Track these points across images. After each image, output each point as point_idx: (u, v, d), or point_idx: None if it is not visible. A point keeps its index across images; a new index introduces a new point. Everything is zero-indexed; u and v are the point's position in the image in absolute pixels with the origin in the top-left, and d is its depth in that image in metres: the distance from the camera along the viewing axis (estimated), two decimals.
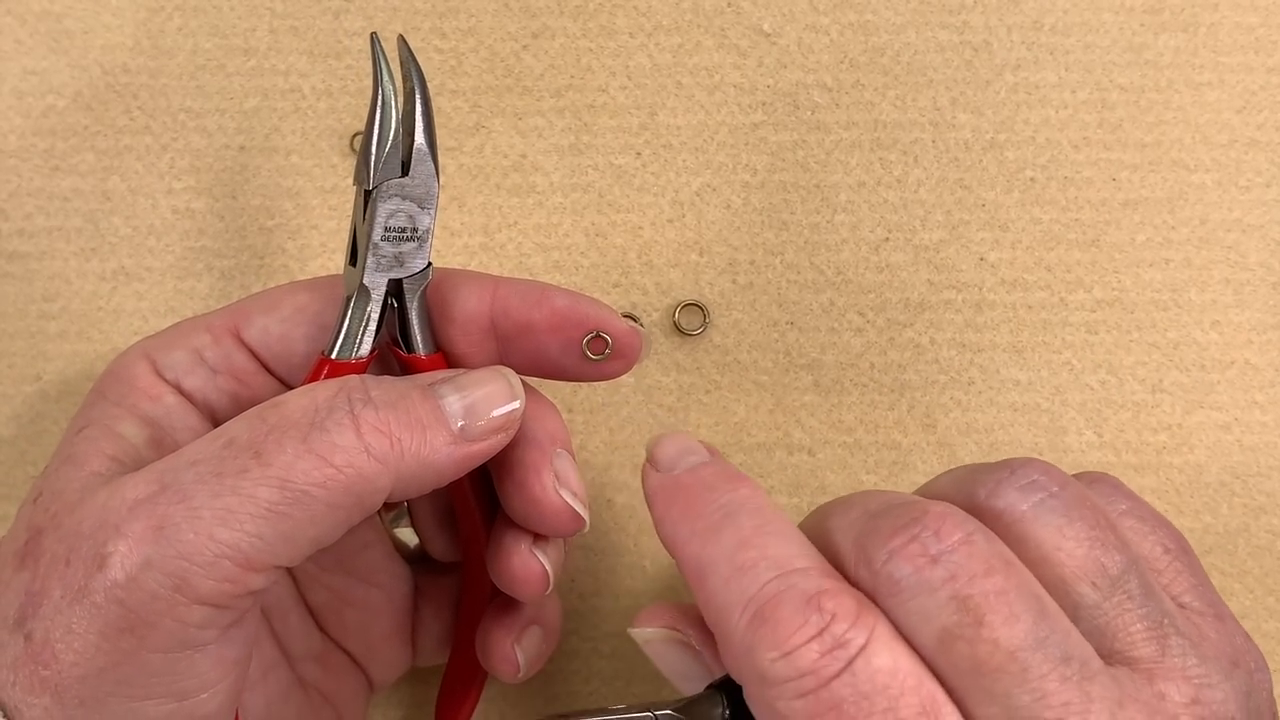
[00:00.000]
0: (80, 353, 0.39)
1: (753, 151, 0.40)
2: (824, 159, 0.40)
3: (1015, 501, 0.25)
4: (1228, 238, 0.40)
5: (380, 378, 0.28)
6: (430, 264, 0.30)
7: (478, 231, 0.40)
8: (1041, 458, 0.27)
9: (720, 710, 0.26)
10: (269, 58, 0.41)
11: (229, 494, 0.25)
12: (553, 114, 0.41)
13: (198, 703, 0.26)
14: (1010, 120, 0.40)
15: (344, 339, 0.29)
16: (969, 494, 0.26)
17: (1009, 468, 0.26)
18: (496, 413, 0.28)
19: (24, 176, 0.40)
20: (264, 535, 0.25)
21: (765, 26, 0.41)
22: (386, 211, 0.29)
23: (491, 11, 0.41)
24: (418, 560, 0.36)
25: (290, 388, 0.30)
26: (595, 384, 0.39)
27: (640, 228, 0.40)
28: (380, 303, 0.29)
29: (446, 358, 0.31)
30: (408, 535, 0.35)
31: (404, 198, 0.29)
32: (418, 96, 0.29)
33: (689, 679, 0.28)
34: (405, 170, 0.29)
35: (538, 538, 0.31)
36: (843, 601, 0.23)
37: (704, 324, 0.39)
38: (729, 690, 0.26)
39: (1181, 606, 0.26)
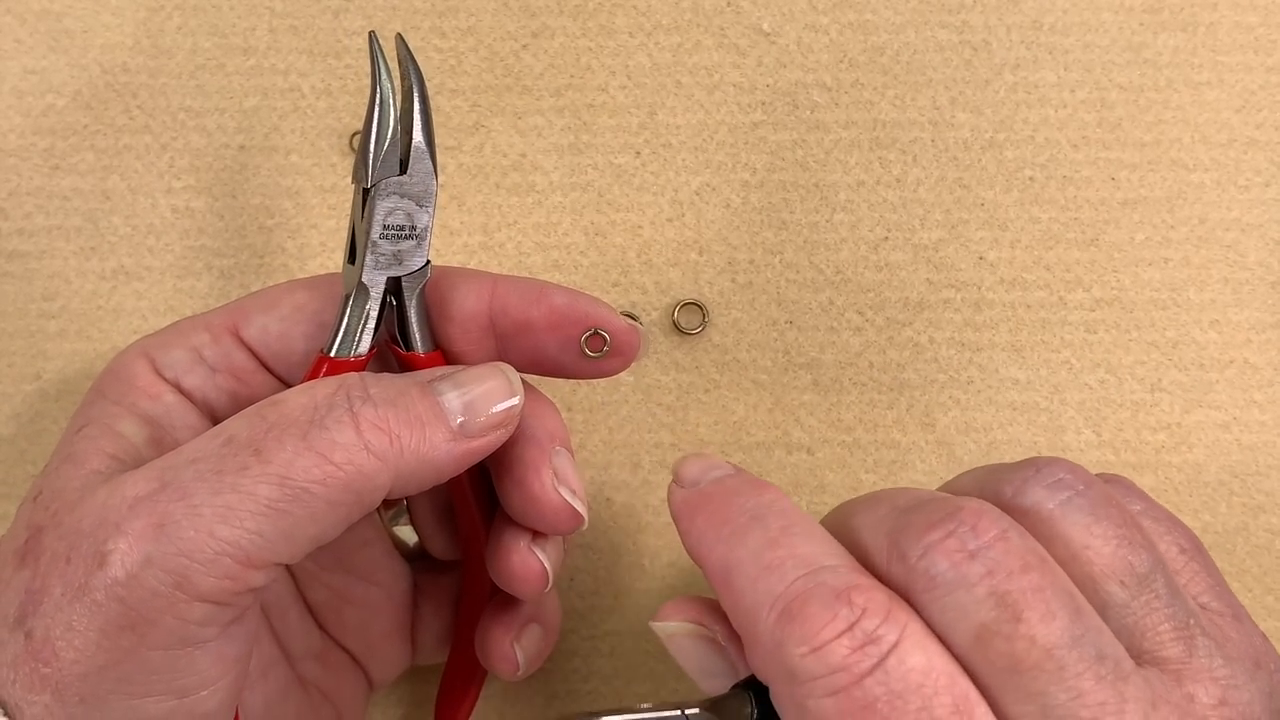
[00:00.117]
0: (80, 352, 0.39)
1: (752, 151, 0.40)
2: (823, 158, 0.40)
3: (1042, 499, 0.25)
4: (1226, 237, 0.40)
5: (379, 375, 0.28)
6: (429, 262, 0.30)
7: (477, 230, 0.40)
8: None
9: (749, 709, 0.25)
10: (268, 57, 0.41)
11: (229, 491, 0.25)
12: (552, 113, 0.41)
13: (198, 700, 0.26)
14: (1009, 120, 0.40)
15: (343, 337, 0.29)
16: (995, 492, 0.26)
17: (1034, 466, 0.26)
18: (496, 409, 0.28)
19: (24, 176, 0.40)
20: (264, 532, 0.25)
21: (765, 26, 0.41)
22: (385, 209, 0.29)
23: (491, 11, 0.41)
24: (417, 558, 0.36)
25: (289, 386, 0.30)
26: (594, 382, 0.39)
27: (640, 227, 0.40)
28: (379, 301, 0.30)
29: (445, 355, 0.31)
30: (407, 533, 0.35)
31: (402, 196, 0.29)
32: (416, 95, 0.29)
33: (711, 675, 0.28)
34: (403, 168, 0.29)
35: (537, 535, 0.31)
36: (874, 597, 0.23)
37: (703, 323, 0.39)
38: (757, 690, 0.25)
39: (1202, 607, 0.26)
